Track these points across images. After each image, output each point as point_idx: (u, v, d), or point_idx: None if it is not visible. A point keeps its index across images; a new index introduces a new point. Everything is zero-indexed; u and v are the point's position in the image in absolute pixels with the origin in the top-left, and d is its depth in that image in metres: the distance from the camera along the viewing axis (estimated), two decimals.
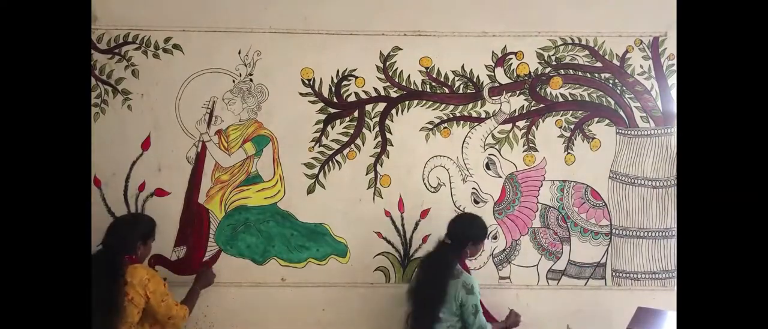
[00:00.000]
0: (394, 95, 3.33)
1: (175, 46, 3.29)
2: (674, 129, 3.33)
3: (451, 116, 3.33)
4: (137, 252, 2.80)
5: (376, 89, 3.33)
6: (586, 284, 3.35)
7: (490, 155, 3.34)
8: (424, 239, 3.29)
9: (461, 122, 3.33)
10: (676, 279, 3.31)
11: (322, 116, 3.32)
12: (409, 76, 3.34)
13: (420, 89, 3.34)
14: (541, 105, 3.35)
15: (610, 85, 3.36)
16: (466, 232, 2.88)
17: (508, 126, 3.35)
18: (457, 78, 3.35)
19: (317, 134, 3.31)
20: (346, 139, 3.32)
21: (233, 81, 3.31)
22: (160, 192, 3.27)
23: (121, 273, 2.66)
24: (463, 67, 3.35)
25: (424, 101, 3.33)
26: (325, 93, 3.32)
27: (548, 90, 3.36)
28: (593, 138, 3.35)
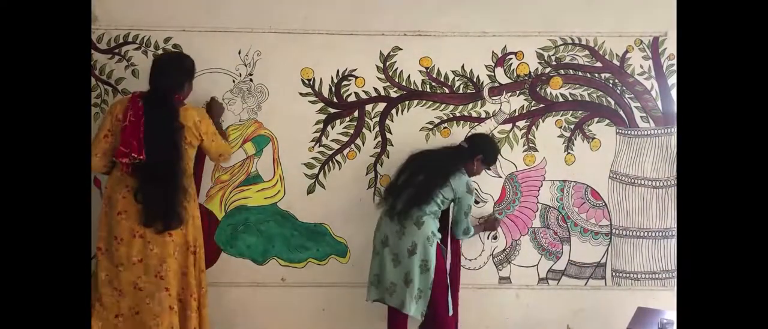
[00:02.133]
0: (394, 95, 3.33)
1: (175, 47, 3.29)
2: (674, 129, 3.33)
3: (451, 116, 3.33)
4: (184, 90, 2.82)
5: (376, 89, 3.33)
6: (586, 284, 3.35)
7: None
8: None
9: (461, 122, 3.33)
10: (675, 279, 3.31)
11: (322, 116, 3.32)
12: (409, 76, 3.34)
13: (420, 89, 3.34)
14: (541, 105, 3.35)
15: (610, 85, 3.36)
16: (483, 144, 3.07)
17: (508, 126, 3.35)
18: (457, 78, 3.35)
19: (317, 134, 3.31)
20: (346, 139, 3.32)
21: (233, 81, 3.31)
22: None
23: (176, 116, 2.66)
24: (463, 67, 3.35)
25: (424, 101, 3.33)
26: (325, 93, 3.32)
27: (548, 90, 3.36)
28: (593, 138, 3.35)
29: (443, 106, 3.33)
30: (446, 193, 2.86)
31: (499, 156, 3.18)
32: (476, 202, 3.31)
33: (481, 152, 3.01)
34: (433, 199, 2.83)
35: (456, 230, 3.01)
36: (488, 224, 3.27)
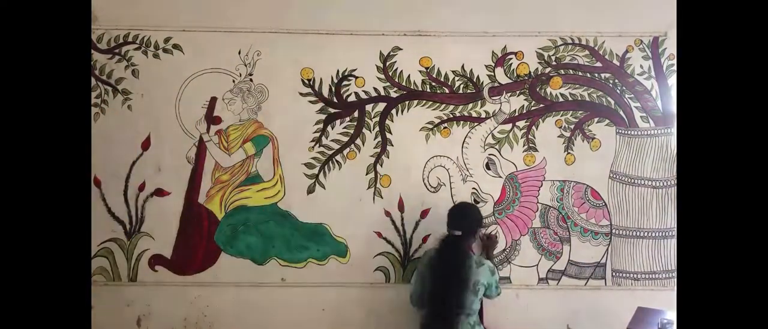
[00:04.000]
0: (394, 95, 3.33)
1: (175, 46, 3.29)
2: (674, 129, 3.33)
3: (451, 116, 3.33)
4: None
5: (376, 89, 3.33)
6: (586, 284, 3.35)
7: (490, 155, 3.34)
8: (424, 239, 3.30)
9: (461, 122, 3.33)
10: (675, 279, 3.31)
11: (322, 116, 3.32)
12: (409, 76, 3.34)
13: (420, 89, 3.33)
14: (541, 105, 3.35)
15: (610, 85, 3.36)
16: (475, 219, 3.00)
17: (508, 126, 3.35)
18: (457, 78, 3.35)
19: (317, 134, 3.31)
20: (346, 139, 3.32)
21: (233, 81, 3.31)
22: (160, 192, 3.28)
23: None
24: (463, 67, 3.35)
25: (424, 101, 3.33)
26: (325, 93, 3.32)
27: (548, 90, 3.36)
28: (593, 138, 3.35)
29: (443, 106, 3.33)
30: (480, 293, 2.80)
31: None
32: (476, 201, 3.32)
33: (477, 225, 3.00)
34: (467, 298, 2.76)
35: (489, 298, 2.94)
36: (490, 243, 3.22)
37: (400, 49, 3.33)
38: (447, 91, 3.34)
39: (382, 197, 3.31)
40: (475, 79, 3.35)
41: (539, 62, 3.36)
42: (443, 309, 2.75)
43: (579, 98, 3.36)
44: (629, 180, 3.35)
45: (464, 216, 2.95)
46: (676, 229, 3.32)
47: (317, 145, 3.31)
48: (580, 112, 3.36)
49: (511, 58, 3.36)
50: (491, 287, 2.85)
